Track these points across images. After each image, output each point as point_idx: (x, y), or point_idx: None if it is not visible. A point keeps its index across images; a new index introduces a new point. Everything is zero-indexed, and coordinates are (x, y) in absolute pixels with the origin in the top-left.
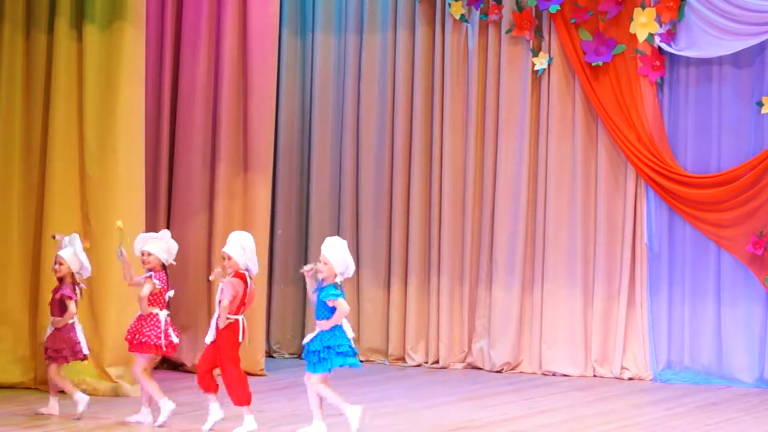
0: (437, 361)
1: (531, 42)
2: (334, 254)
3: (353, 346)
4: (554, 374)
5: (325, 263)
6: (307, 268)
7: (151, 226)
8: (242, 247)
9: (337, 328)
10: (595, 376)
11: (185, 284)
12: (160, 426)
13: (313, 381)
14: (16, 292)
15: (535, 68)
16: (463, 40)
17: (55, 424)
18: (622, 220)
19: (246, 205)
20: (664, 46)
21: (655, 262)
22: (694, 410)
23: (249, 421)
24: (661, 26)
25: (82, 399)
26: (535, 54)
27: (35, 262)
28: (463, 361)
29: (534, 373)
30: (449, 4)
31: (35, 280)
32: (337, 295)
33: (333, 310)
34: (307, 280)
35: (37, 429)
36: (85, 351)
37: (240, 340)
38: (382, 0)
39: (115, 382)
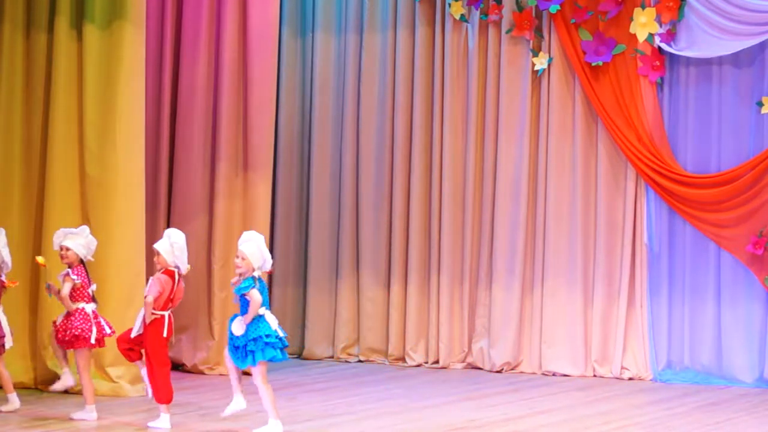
0: (437, 361)
1: (531, 42)
2: (251, 249)
3: (281, 337)
4: (554, 374)
5: (243, 258)
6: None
7: (151, 226)
8: (171, 245)
9: (261, 321)
10: (595, 376)
11: (185, 284)
12: (71, 419)
13: (257, 379)
14: (16, 292)
15: (535, 68)
16: (463, 40)
17: (56, 424)
18: (622, 220)
19: (246, 205)
20: (664, 46)
21: (655, 262)
22: (694, 410)
23: (164, 419)
24: (661, 26)
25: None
26: (535, 54)
27: (35, 261)
28: (463, 361)
29: (534, 373)
30: (449, 4)
31: (35, 279)
32: (250, 287)
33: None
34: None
35: (37, 429)
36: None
37: (164, 335)
38: (382, 0)
39: (115, 382)
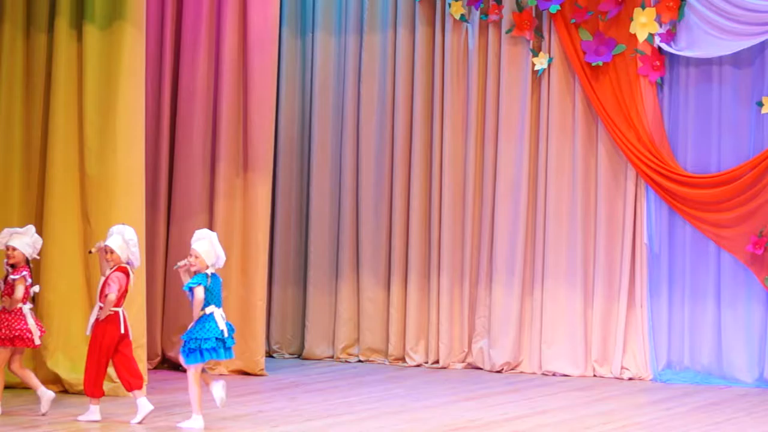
0: (437, 361)
1: (531, 42)
2: (204, 247)
3: (225, 337)
4: (554, 374)
5: (196, 256)
6: (180, 263)
7: (151, 226)
8: (125, 241)
9: (208, 321)
10: (595, 376)
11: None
12: None
13: (189, 375)
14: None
15: (535, 68)
16: (463, 40)
17: (56, 424)
18: (622, 220)
19: (246, 205)
20: (664, 46)
21: (655, 262)
22: (694, 410)
23: (94, 411)
24: (661, 26)
25: None
26: (535, 54)
27: (35, 261)
28: (463, 361)
29: (534, 373)
30: (449, 4)
31: (35, 279)
32: (195, 283)
33: (204, 302)
34: (181, 275)
35: (37, 429)
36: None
37: (122, 331)
38: (382, 0)
39: (115, 382)
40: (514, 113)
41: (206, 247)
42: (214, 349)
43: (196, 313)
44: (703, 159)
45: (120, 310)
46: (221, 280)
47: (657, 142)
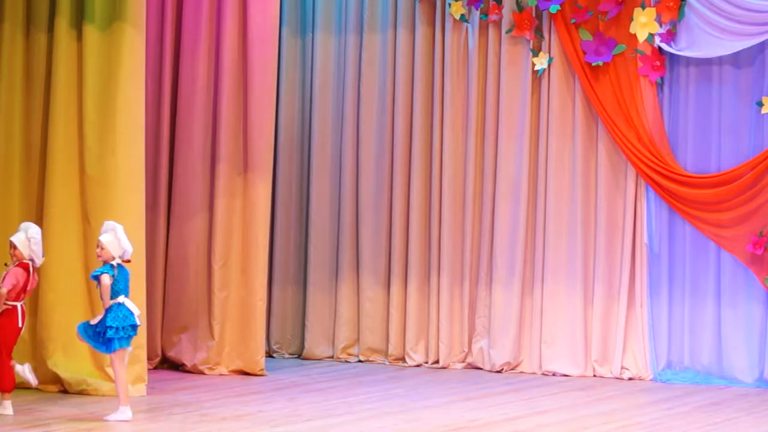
0: (437, 361)
1: (531, 42)
2: (108, 239)
3: (133, 324)
4: (554, 374)
5: (102, 248)
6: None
7: (151, 226)
8: (28, 238)
9: (121, 309)
10: (595, 376)
11: (185, 284)
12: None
13: (115, 364)
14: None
15: (535, 68)
16: (463, 40)
17: (57, 424)
18: (622, 220)
19: (246, 205)
20: (664, 46)
21: (655, 262)
22: (695, 410)
23: (7, 406)
24: (661, 26)
25: None
26: (535, 54)
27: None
28: (463, 361)
29: (534, 373)
30: (449, 4)
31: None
32: (100, 271)
33: (113, 291)
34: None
35: (37, 429)
36: None
37: (20, 325)
38: (382, 0)
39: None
40: (514, 113)
41: (110, 238)
42: (130, 336)
43: (106, 301)
44: (703, 159)
45: (18, 304)
46: (129, 272)
47: (657, 142)
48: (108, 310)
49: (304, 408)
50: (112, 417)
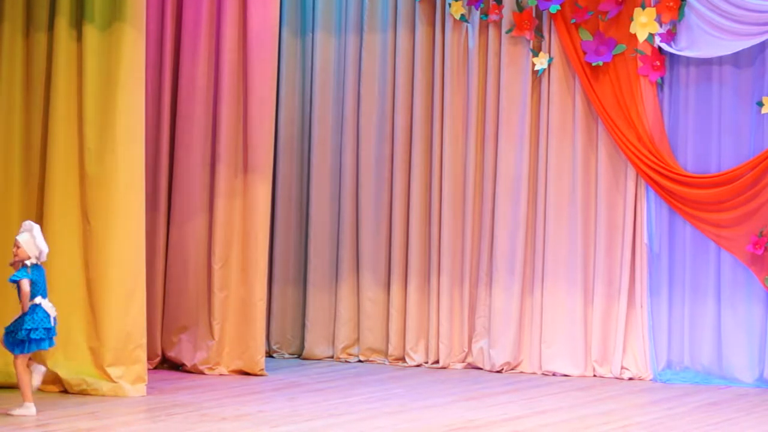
0: (437, 361)
1: (531, 42)
2: (24, 239)
3: (50, 327)
4: (554, 374)
5: (18, 247)
6: (10, 263)
7: (151, 226)
8: (33, 236)
9: (36, 312)
10: (595, 376)
11: (185, 284)
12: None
13: (19, 367)
14: (15, 292)
15: (535, 68)
16: (463, 40)
17: (57, 424)
18: (622, 220)
19: (246, 205)
20: (664, 46)
21: (655, 262)
22: (695, 410)
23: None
24: (661, 26)
25: None
26: (535, 54)
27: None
28: (463, 361)
29: (534, 373)
30: (449, 4)
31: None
32: (19, 276)
33: (30, 292)
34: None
35: (37, 429)
36: None
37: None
38: (382, 0)
39: (115, 382)
40: (514, 113)
41: (27, 238)
42: (42, 339)
43: (26, 305)
44: (703, 159)
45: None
46: (44, 270)
47: (657, 142)
48: (26, 313)
49: (304, 408)
50: (18, 411)
